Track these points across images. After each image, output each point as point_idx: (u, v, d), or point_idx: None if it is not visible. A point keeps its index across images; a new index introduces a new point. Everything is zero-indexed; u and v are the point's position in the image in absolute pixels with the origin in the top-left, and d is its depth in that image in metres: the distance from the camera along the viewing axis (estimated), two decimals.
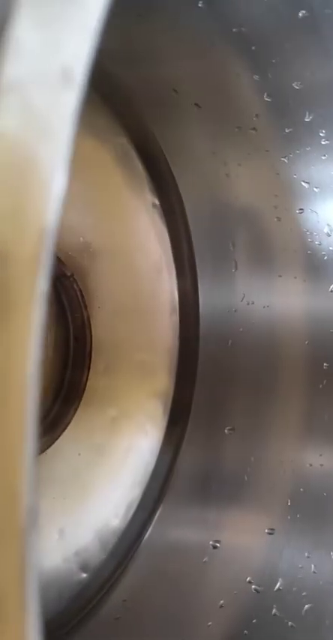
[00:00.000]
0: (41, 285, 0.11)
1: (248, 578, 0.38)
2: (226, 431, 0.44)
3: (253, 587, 0.37)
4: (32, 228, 0.11)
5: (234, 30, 0.30)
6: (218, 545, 0.40)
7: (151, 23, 0.29)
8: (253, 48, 0.31)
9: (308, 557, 0.38)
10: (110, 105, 0.38)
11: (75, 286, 0.39)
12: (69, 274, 0.38)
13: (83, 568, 0.40)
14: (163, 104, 0.37)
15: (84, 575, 0.40)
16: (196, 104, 0.37)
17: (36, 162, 0.11)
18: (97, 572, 0.41)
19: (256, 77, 0.33)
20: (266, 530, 0.40)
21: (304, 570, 0.37)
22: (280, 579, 0.37)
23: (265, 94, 0.34)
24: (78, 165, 0.38)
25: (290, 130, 0.36)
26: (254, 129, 0.37)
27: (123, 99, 0.37)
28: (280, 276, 0.42)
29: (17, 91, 0.11)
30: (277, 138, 0.37)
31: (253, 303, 0.44)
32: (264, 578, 0.38)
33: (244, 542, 0.40)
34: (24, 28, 0.11)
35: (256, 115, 0.36)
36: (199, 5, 0.27)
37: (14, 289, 0.11)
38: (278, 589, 0.37)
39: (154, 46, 0.32)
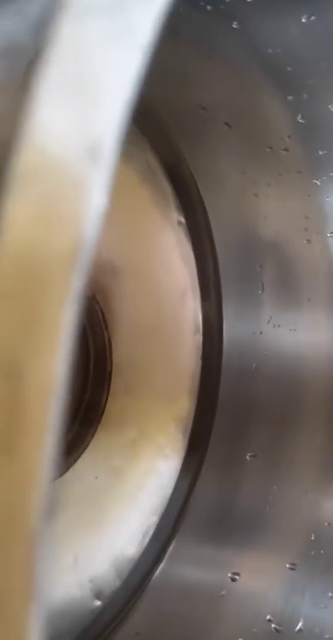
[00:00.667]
0: (56, 414, 0.10)
1: (268, 616, 0.36)
2: (247, 457, 0.42)
3: (273, 625, 0.36)
4: (48, 354, 0.10)
5: (269, 51, 0.28)
6: (237, 577, 0.39)
7: (183, 43, 0.28)
8: (289, 69, 0.30)
9: (332, 596, 0.36)
10: (136, 121, 0.37)
11: (96, 307, 0.38)
12: (91, 295, 0.37)
13: (97, 595, 0.39)
14: (192, 122, 0.36)
15: (98, 602, 0.39)
16: (226, 123, 0.36)
17: (50, 272, 0.10)
18: (111, 601, 0.40)
19: (289, 98, 0.32)
20: (287, 565, 0.38)
21: (327, 611, 0.36)
22: (301, 619, 0.35)
23: (299, 116, 0.33)
24: None
25: (324, 152, 0.35)
26: (286, 149, 0.36)
27: (149, 117, 0.36)
28: (309, 299, 0.41)
29: (35, 179, 0.10)
30: (309, 159, 0.35)
31: (279, 326, 0.42)
32: (285, 616, 0.36)
33: (265, 577, 0.39)
34: (49, 108, 0.10)
35: (289, 136, 0.35)
36: (234, 26, 0.26)
37: (26, 416, 0.10)
38: (300, 629, 0.36)
39: (185, 66, 0.31)
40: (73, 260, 0.11)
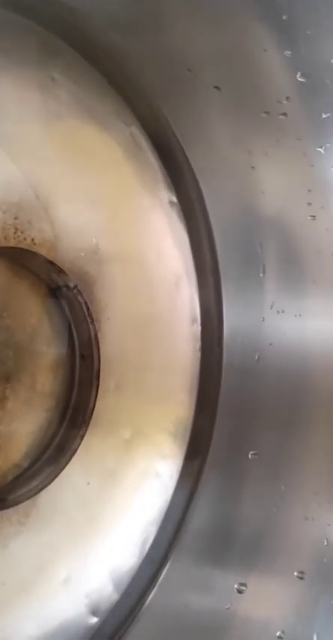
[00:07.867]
0: None
1: (278, 633, 0.33)
2: (249, 455, 0.39)
3: None
4: None
5: None
6: (244, 588, 0.36)
7: None
8: (284, 17, 0.27)
9: None
10: (117, 88, 0.34)
11: (79, 298, 0.34)
12: (72, 286, 0.34)
13: (94, 612, 0.36)
14: (178, 86, 0.33)
15: (95, 619, 0.36)
16: (216, 86, 0.33)
17: None
18: (110, 616, 0.37)
19: (287, 53, 0.29)
20: (295, 574, 0.35)
21: None
22: (315, 635, 0.32)
23: (298, 73, 0.30)
24: (81, 157, 0.34)
25: (328, 114, 0.32)
26: (284, 114, 0.33)
27: (131, 81, 0.33)
28: (314, 282, 0.38)
29: None
30: (311, 124, 0.32)
31: (283, 311, 0.39)
32: (296, 631, 0.33)
33: (274, 587, 0.36)
34: None
35: (287, 98, 0.32)
36: None
37: None
38: None
39: (164, 12, 0.27)
40: None
